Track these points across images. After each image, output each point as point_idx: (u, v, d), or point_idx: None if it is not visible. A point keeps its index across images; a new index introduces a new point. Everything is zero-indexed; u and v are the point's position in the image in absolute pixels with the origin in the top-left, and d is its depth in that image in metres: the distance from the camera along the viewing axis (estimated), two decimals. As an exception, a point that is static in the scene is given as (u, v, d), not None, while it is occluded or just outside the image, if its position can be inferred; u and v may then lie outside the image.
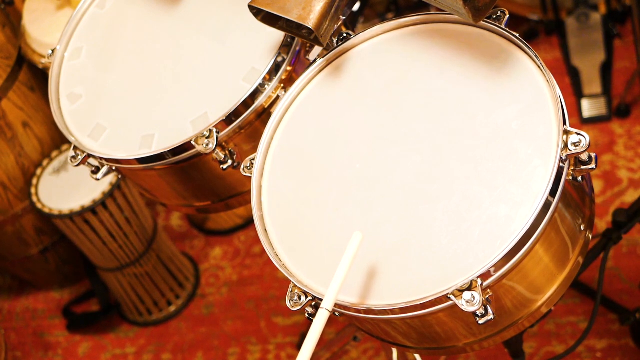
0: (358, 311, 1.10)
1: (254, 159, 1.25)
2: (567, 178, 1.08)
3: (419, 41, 1.26)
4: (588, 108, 2.37)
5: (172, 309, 2.44)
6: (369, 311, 1.09)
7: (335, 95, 1.28)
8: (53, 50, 1.51)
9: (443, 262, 1.08)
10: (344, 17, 1.29)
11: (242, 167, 1.26)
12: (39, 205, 2.22)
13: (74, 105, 1.45)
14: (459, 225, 1.09)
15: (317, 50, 1.35)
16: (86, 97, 1.45)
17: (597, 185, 2.23)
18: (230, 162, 1.32)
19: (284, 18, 1.25)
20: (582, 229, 1.18)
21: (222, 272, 2.47)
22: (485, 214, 1.08)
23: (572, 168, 1.09)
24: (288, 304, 1.12)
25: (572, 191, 1.13)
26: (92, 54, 1.50)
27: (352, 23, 2.21)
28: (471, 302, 1.02)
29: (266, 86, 1.31)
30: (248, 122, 1.32)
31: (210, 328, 2.37)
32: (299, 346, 2.23)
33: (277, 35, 1.34)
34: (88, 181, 2.15)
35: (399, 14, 2.65)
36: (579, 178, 1.11)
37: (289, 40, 1.33)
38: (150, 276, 2.37)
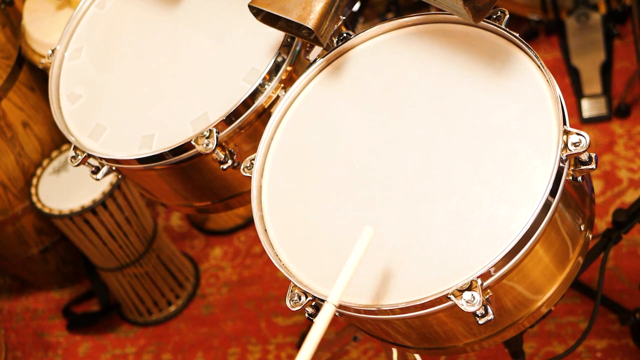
0: (358, 311, 1.10)
1: (254, 159, 1.25)
2: (567, 178, 1.08)
3: (419, 41, 1.26)
4: (588, 108, 2.37)
5: (172, 309, 2.44)
6: (368, 311, 1.09)
7: (335, 95, 1.28)
8: (53, 50, 1.51)
9: (443, 262, 1.08)
10: (344, 17, 1.29)
11: (242, 167, 1.26)
12: (39, 205, 2.22)
13: (74, 105, 1.45)
14: (459, 225, 1.09)
15: (317, 50, 1.35)
16: (86, 97, 1.45)
17: (597, 185, 2.23)
18: (230, 162, 1.32)
19: (284, 18, 1.25)
20: (582, 229, 1.18)
21: (222, 272, 2.47)
22: (485, 214, 1.08)
23: (572, 168, 1.09)
24: (288, 304, 1.12)
25: (572, 191, 1.13)
26: (92, 54, 1.50)
27: (352, 23, 2.21)
28: (471, 302, 1.02)
29: (266, 86, 1.31)
30: (248, 122, 1.32)
31: (210, 328, 2.37)
32: (299, 346, 2.23)
33: (277, 35, 1.34)
34: (88, 181, 2.15)
35: (399, 14, 2.65)
36: (579, 178, 1.11)
37: (289, 40, 1.33)
38: (150, 276, 2.36)
